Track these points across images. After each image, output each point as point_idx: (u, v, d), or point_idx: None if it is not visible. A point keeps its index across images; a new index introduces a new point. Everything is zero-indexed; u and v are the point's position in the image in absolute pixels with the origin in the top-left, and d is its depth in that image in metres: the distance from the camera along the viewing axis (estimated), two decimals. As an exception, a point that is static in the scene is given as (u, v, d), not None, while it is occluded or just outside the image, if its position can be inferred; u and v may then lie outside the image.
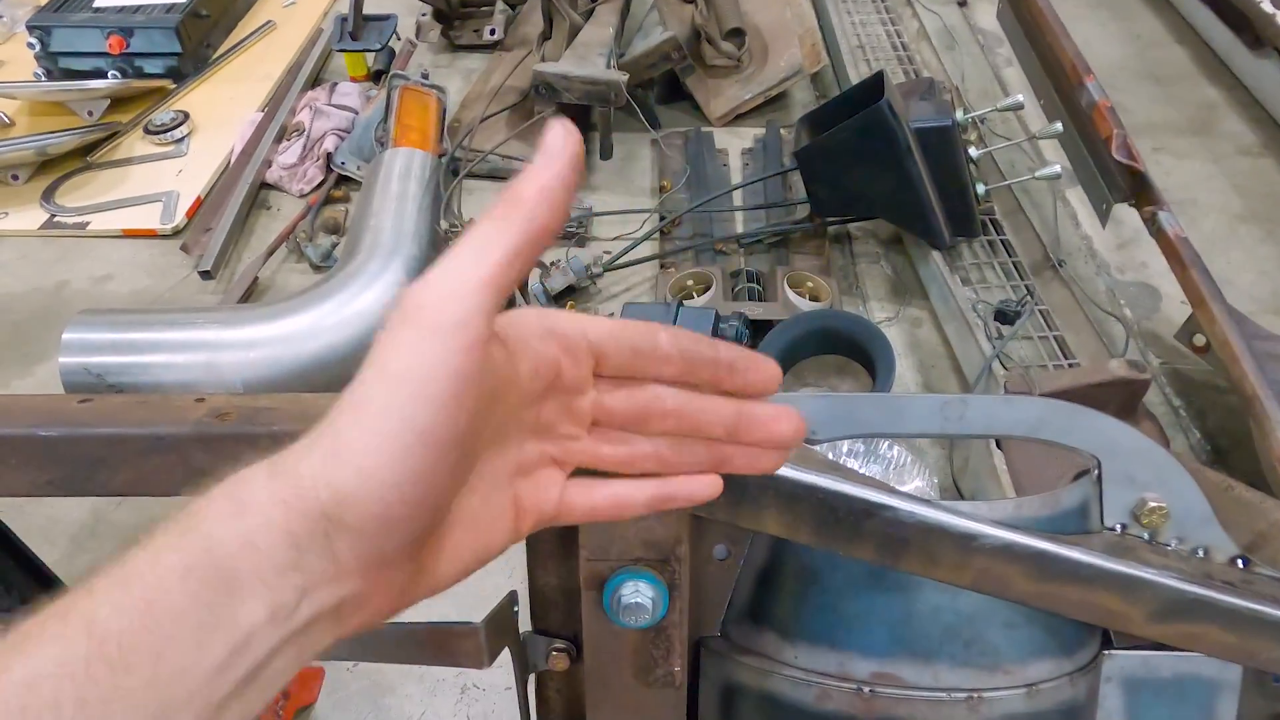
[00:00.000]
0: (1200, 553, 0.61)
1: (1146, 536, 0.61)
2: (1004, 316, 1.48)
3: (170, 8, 2.15)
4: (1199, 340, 1.45)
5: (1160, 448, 0.60)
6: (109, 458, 0.57)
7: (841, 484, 0.56)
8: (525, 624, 0.72)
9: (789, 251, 1.72)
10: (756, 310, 1.49)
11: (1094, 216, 1.68)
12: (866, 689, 0.61)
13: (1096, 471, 0.61)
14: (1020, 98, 1.56)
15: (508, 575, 0.90)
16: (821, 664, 0.62)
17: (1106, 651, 0.67)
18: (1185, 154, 2.01)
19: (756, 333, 1.45)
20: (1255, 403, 1.15)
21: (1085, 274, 1.70)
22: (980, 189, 1.57)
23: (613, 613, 0.59)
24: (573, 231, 1.76)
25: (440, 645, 0.58)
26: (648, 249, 1.72)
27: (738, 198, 1.83)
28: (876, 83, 1.46)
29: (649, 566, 0.59)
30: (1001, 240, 1.69)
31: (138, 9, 2.15)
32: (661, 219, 1.73)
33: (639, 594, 0.58)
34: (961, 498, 1.26)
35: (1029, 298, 1.50)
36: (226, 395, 0.61)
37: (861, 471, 1.19)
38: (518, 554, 0.72)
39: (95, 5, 2.15)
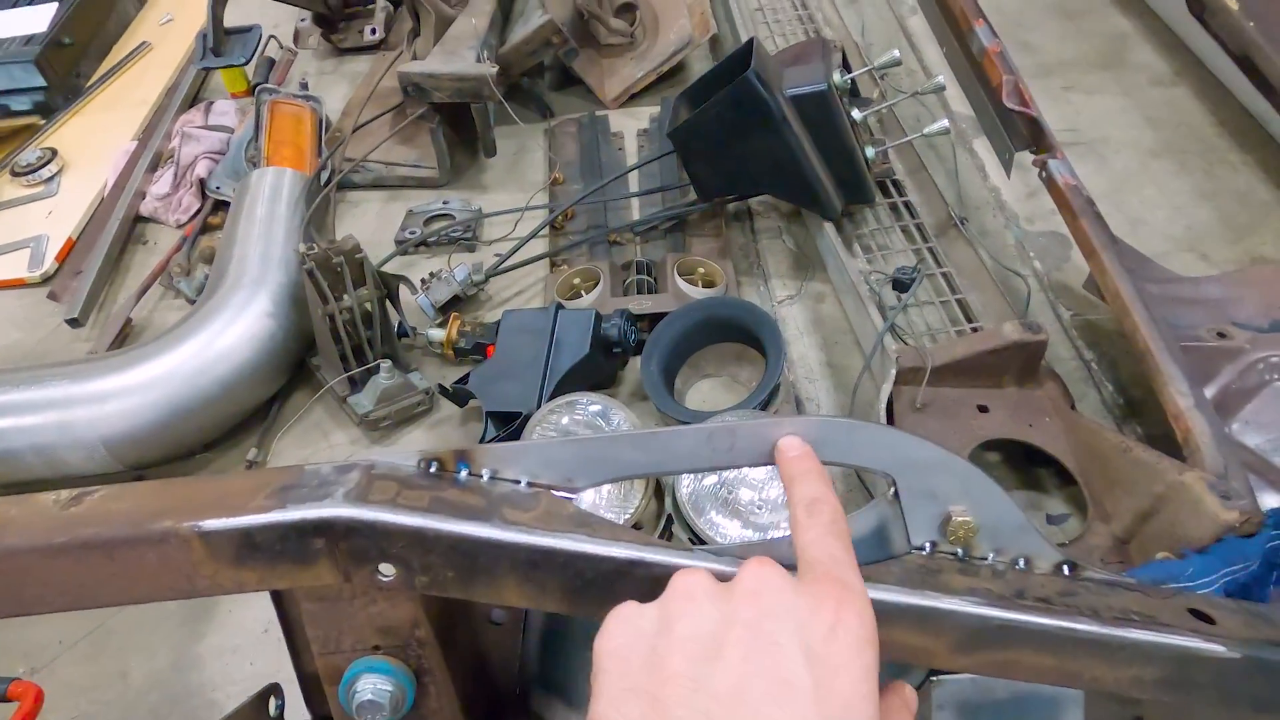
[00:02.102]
0: (1021, 563, 0.55)
1: (960, 553, 0.55)
2: (900, 285, 1.41)
3: (29, 39, 2.04)
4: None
5: (958, 458, 0.54)
6: None
7: (587, 544, 0.50)
8: (302, 714, 0.65)
9: (686, 235, 1.65)
10: (645, 304, 1.42)
11: (1001, 167, 1.62)
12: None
13: (892, 490, 0.55)
14: (896, 53, 1.47)
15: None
16: (606, 733, 0.56)
17: (934, 678, 0.61)
18: (1096, 89, 1.94)
19: (651, 327, 1.39)
20: (1149, 357, 1.09)
21: (994, 228, 1.63)
22: (870, 152, 1.49)
23: (350, 711, 0.53)
24: (459, 236, 1.68)
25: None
26: (540, 247, 1.64)
27: (633, 182, 1.75)
28: (747, 51, 1.38)
29: (387, 655, 0.53)
30: (904, 203, 1.62)
31: (-5, 43, 2.04)
32: (550, 214, 1.65)
33: (375, 689, 0.52)
34: (871, 496, 1.20)
35: (921, 264, 1.43)
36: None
37: (748, 495, 1.09)
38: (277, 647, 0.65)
39: (-51, 45, 2.04)
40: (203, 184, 1.81)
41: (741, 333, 1.34)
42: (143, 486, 0.55)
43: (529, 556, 0.49)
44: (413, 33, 1.86)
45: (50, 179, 1.90)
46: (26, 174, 1.89)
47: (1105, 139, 1.82)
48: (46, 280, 1.71)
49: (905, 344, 1.33)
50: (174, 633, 1.20)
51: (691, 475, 0.97)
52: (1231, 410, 1.23)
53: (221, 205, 1.80)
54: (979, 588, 0.52)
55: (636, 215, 1.70)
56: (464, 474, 0.52)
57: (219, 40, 1.85)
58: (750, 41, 1.40)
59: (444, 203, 1.76)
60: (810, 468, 0.48)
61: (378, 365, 1.36)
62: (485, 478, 0.52)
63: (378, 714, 0.53)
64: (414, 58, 1.77)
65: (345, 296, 1.34)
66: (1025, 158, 1.53)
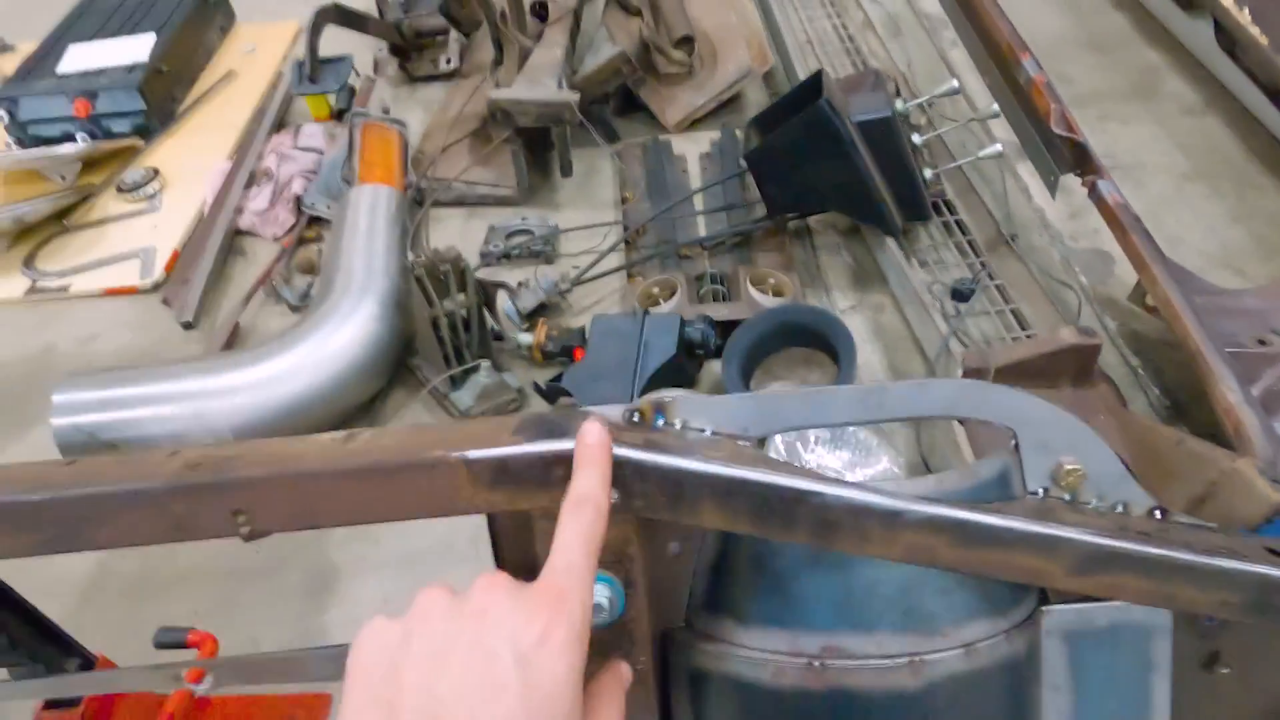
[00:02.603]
0: (1119, 508, 0.66)
1: (1068, 497, 0.66)
2: (959, 295, 1.53)
3: (132, 67, 2.20)
4: (1151, 300, 1.50)
5: (1070, 415, 0.65)
6: (93, 516, 0.62)
7: (770, 475, 0.61)
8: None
9: (751, 250, 1.77)
10: (721, 311, 1.54)
11: (1045, 190, 1.73)
12: (816, 662, 0.65)
13: (1013, 442, 0.66)
14: (955, 83, 1.60)
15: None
16: (774, 643, 0.67)
17: (1043, 608, 0.71)
18: (1130, 119, 2.06)
19: (724, 333, 1.50)
20: (1199, 358, 1.20)
21: (1040, 245, 1.75)
22: (928, 173, 1.61)
23: (573, 614, 0.64)
24: (539, 250, 1.81)
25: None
26: (614, 260, 1.77)
27: (698, 202, 1.88)
28: (816, 81, 1.51)
29: (604, 568, 0.64)
30: (956, 221, 1.74)
31: (100, 71, 2.20)
32: (625, 230, 1.78)
33: (597, 594, 0.63)
34: (929, 473, 1.31)
35: (982, 273, 1.55)
36: (200, 448, 0.66)
37: (831, 455, 1.23)
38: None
39: (58, 72, 2.20)
40: (298, 200, 1.95)
41: (815, 337, 1.46)
42: (399, 430, 0.67)
43: (725, 486, 0.61)
44: (495, 62, 2.00)
45: (153, 195, 2.05)
46: (132, 190, 2.04)
47: (1141, 164, 1.93)
48: (156, 288, 1.85)
49: (966, 348, 1.44)
50: (299, 604, 1.31)
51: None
52: (1273, 411, 1.33)
53: (315, 220, 1.93)
54: (1088, 524, 0.63)
55: (702, 231, 1.82)
56: (660, 422, 0.64)
57: (315, 68, 2.00)
58: (819, 73, 1.53)
59: (522, 219, 1.89)
60: (599, 460, 0.53)
61: (477, 365, 1.48)
62: (678, 426, 0.64)
63: (600, 614, 0.63)
64: (497, 85, 1.91)
65: (448, 301, 1.47)
66: (1065, 182, 1.65)
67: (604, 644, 0.65)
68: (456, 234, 1.92)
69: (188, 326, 1.68)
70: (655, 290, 1.64)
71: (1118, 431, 1.32)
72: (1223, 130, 2.00)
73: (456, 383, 1.50)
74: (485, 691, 0.44)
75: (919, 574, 0.65)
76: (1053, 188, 1.71)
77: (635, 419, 0.64)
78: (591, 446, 0.53)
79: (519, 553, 0.68)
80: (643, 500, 0.61)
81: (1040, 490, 0.65)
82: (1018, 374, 1.35)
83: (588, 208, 1.96)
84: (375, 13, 2.28)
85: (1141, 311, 1.57)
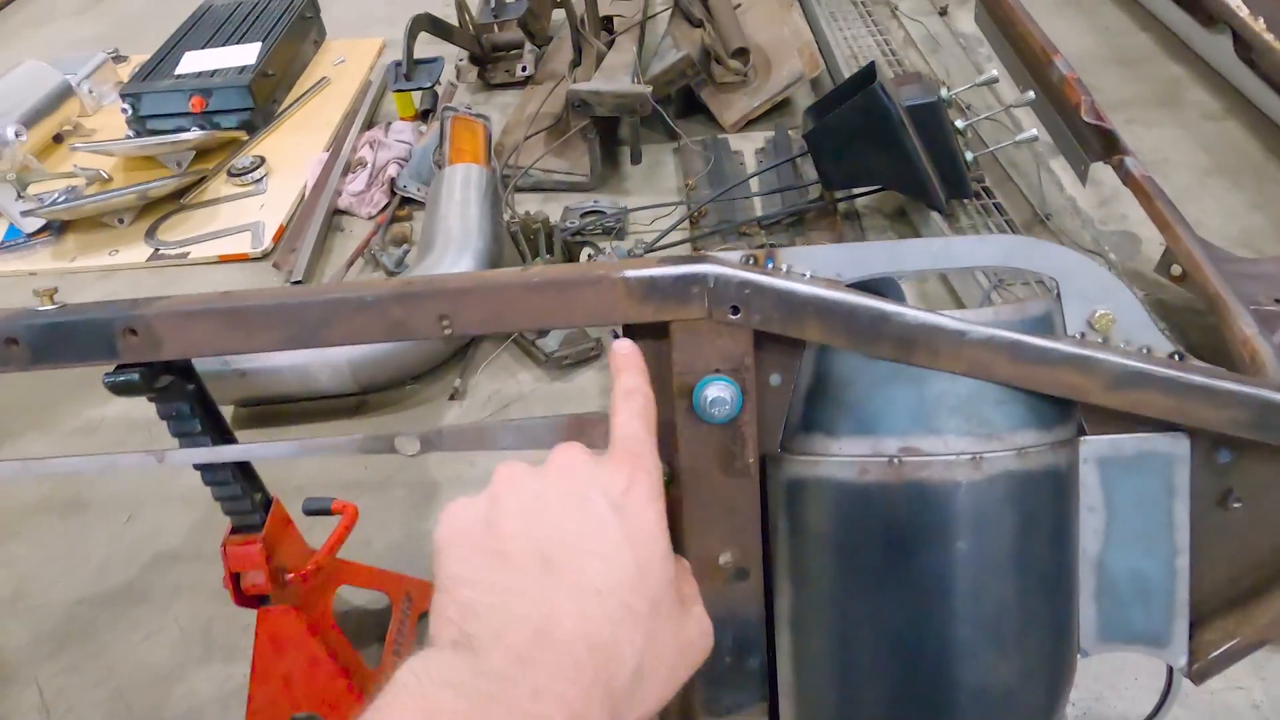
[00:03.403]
0: (1144, 350, 0.81)
1: (1101, 339, 0.81)
2: (999, 261, 1.68)
3: (242, 69, 2.44)
4: (1175, 270, 1.64)
5: (1105, 270, 0.81)
6: (331, 318, 0.79)
7: (860, 299, 0.77)
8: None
9: (805, 229, 1.94)
10: (781, 273, 1.70)
11: (1076, 182, 1.89)
12: (895, 460, 0.80)
13: (1056, 290, 0.81)
14: (995, 72, 1.78)
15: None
16: (860, 449, 0.81)
17: (1083, 438, 0.86)
18: (1155, 123, 2.23)
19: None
20: (1217, 299, 1.34)
21: (1072, 228, 1.90)
22: (969, 156, 1.78)
23: (701, 410, 0.79)
24: (610, 227, 1.99)
25: (577, 432, 0.78)
26: (679, 236, 1.95)
27: (754, 186, 2.06)
28: (869, 71, 1.69)
29: (725, 373, 0.80)
30: (994, 204, 1.90)
31: (214, 72, 2.45)
32: (689, 209, 1.96)
33: (720, 391, 0.79)
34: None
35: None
36: (403, 277, 0.83)
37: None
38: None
39: (177, 73, 2.45)
40: (391, 183, 2.15)
41: (867, 290, 1.61)
42: (569, 264, 0.84)
43: (826, 305, 0.76)
44: (573, 63, 2.22)
45: (260, 180, 2.27)
46: (241, 174, 2.26)
47: (1166, 160, 2.09)
48: (265, 255, 2.05)
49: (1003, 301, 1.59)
50: (406, 513, 1.47)
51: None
52: (1289, 360, 1.46)
53: (406, 201, 2.14)
54: (1118, 352, 0.78)
55: (759, 213, 2.00)
56: (770, 266, 0.80)
57: (410, 68, 2.22)
58: (871, 64, 1.71)
59: (594, 201, 2.08)
60: (634, 364, 0.58)
61: (562, 314, 1.65)
62: (784, 269, 0.80)
63: (722, 408, 0.79)
64: (575, 81, 2.12)
65: (538, 259, 1.65)
66: (1095, 173, 1.81)
67: (721, 440, 0.81)
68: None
69: (298, 284, 1.88)
70: (720, 257, 1.81)
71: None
72: (1243, 133, 2.15)
73: (541, 331, 1.68)
74: (589, 528, 0.44)
75: (979, 387, 0.79)
76: (1083, 176, 1.87)
77: (750, 262, 0.81)
78: (625, 354, 0.59)
79: (651, 372, 0.84)
80: (760, 315, 0.77)
81: (1079, 333, 0.81)
82: (1053, 322, 1.50)
83: (653, 194, 2.14)
84: (457, 24, 2.52)
85: (1167, 282, 1.71)
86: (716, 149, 2.23)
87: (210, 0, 2.87)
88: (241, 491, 0.96)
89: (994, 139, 2.06)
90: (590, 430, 0.78)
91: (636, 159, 2.10)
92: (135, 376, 0.79)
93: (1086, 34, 2.64)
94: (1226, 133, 2.16)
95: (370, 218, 2.13)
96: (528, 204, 2.16)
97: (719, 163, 2.17)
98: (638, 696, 0.42)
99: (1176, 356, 0.82)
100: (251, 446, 0.82)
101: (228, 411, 1.69)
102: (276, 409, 1.67)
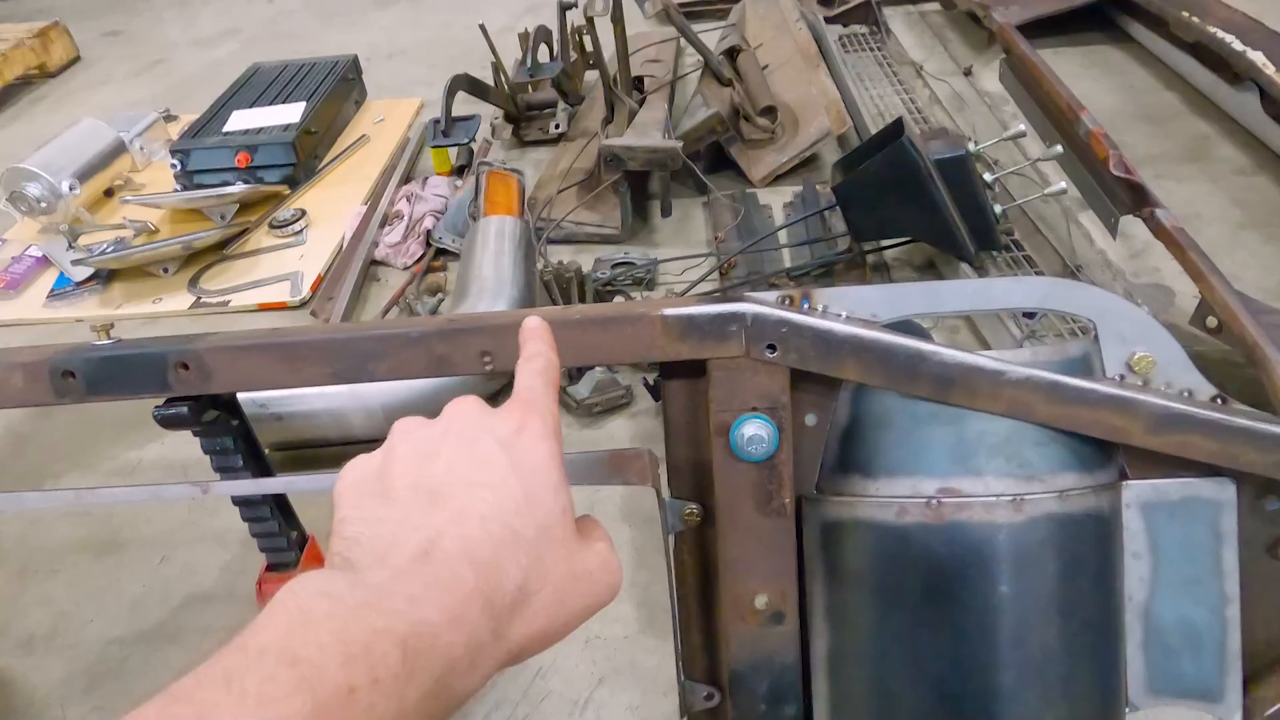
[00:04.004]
0: (1186, 393, 0.81)
1: (1141, 382, 0.81)
2: (1028, 313, 1.68)
3: (286, 127, 2.54)
4: (1211, 322, 1.62)
5: (1143, 311, 0.81)
6: (378, 352, 0.81)
7: (897, 338, 0.78)
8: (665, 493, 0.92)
9: (834, 281, 1.95)
10: (811, 322, 1.71)
11: (1106, 236, 1.90)
12: (934, 501, 0.79)
13: (1094, 332, 0.82)
14: (1022, 127, 1.81)
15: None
16: (898, 489, 0.81)
17: (1125, 482, 0.85)
18: (1185, 178, 2.23)
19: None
20: (1256, 349, 1.33)
21: (1103, 280, 1.90)
22: (998, 209, 1.80)
23: (738, 448, 0.80)
24: (641, 278, 2.02)
25: (615, 467, 0.79)
26: (708, 287, 1.97)
27: (783, 238, 2.08)
28: (897, 126, 1.72)
29: (762, 412, 0.81)
30: (1024, 256, 1.91)
31: (260, 130, 2.54)
32: (719, 260, 1.98)
33: (757, 429, 0.79)
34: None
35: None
36: (447, 315, 0.85)
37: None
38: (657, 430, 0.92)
39: (225, 130, 2.55)
40: (428, 235, 2.21)
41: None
42: (602, 305, 0.85)
43: (862, 345, 0.77)
44: (606, 120, 2.28)
45: (300, 231, 2.33)
46: (282, 226, 2.33)
47: (1197, 215, 2.09)
48: (304, 304, 2.10)
49: (1039, 354, 1.58)
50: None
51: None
52: (1332, 412, 1.44)
53: (441, 252, 2.19)
54: (1161, 394, 0.78)
55: (788, 264, 2.02)
56: (805, 306, 0.81)
57: (449, 124, 2.30)
58: (899, 119, 1.75)
59: (625, 253, 2.12)
60: (541, 335, 0.60)
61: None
62: (820, 310, 0.81)
63: (759, 446, 0.79)
64: (607, 137, 2.17)
65: (571, 307, 1.67)
66: (1125, 227, 1.81)
67: (757, 479, 0.81)
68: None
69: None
70: (749, 307, 1.83)
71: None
72: (1274, 187, 2.15)
73: (574, 377, 1.69)
74: (476, 464, 0.45)
75: (1019, 428, 0.79)
76: (1113, 229, 1.87)
77: (786, 303, 0.82)
78: (533, 327, 0.61)
79: (683, 411, 0.84)
80: (797, 354, 0.78)
81: (1118, 376, 0.81)
82: (1088, 372, 1.48)
83: (683, 246, 2.18)
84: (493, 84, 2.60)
85: (1204, 335, 1.69)
86: (745, 202, 2.27)
87: (259, 63, 3.00)
88: (278, 528, 0.97)
89: (1022, 193, 2.08)
90: (627, 467, 0.79)
91: (667, 212, 2.14)
92: (185, 409, 0.81)
93: (1113, 93, 2.67)
94: (1258, 187, 2.16)
95: (406, 268, 2.18)
96: (561, 255, 2.20)
97: (748, 216, 2.20)
98: (524, 613, 0.43)
99: (1219, 400, 0.82)
100: (292, 478, 0.84)
101: (263, 455, 1.71)
102: (311, 453, 1.69)
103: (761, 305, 0.78)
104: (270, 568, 1.01)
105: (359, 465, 0.48)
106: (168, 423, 0.81)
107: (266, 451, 1.70)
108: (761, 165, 2.38)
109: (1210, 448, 0.78)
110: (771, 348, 0.79)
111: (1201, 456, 0.79)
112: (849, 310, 0.82)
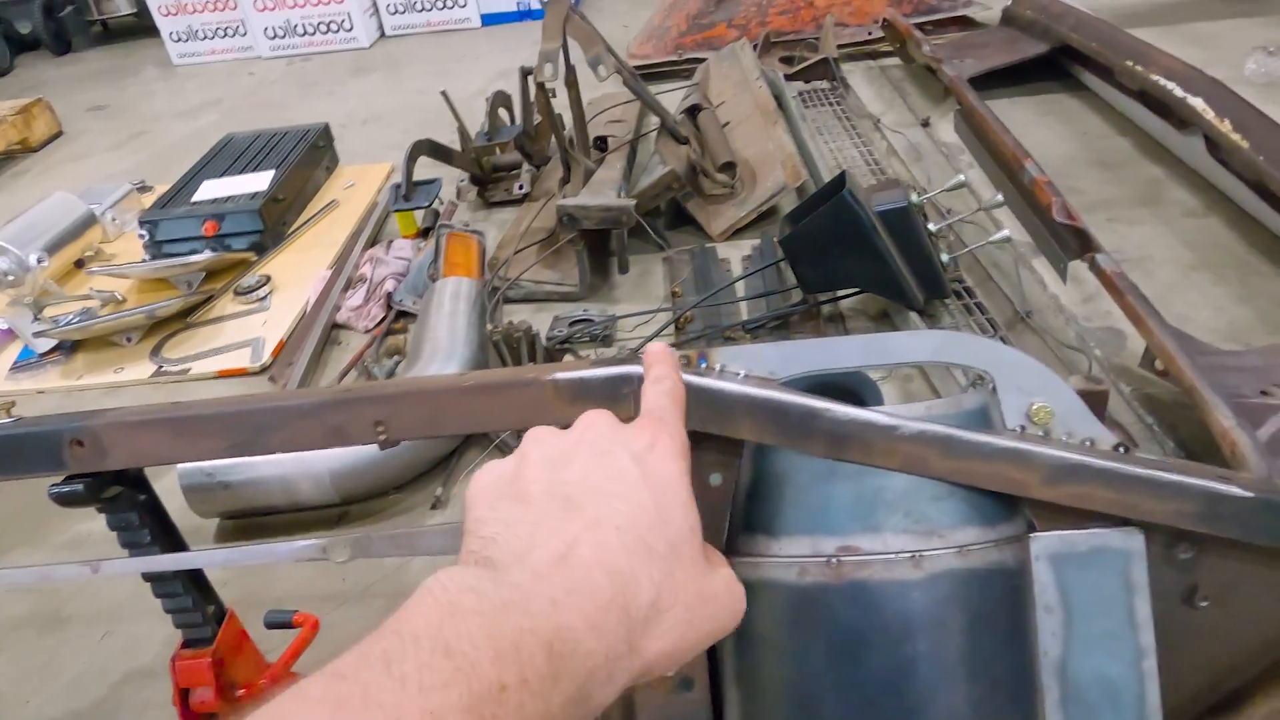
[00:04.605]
0: (1088, 443, 0.80)
1: (1042, 433, 0.81)
2: (979, 359, 1.68)
3: (254, 195, 2.58)
4: (1159, 364, 1.63)
5: (1038, 361, 0.81)
6: (271, 424, 0.81)
7: (791, 396, 0.78)
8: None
9: (789, 332, 1.96)
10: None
11: (1058, 280, 1.91)
12: (834, 560, 0.78)
13: (991, 385, 0.82)
14: (962, 177, 1.83)
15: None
16: (799, 549, 0.80)
17: (1031, 534, 0.84)
18: (1138, 222, 2.26)
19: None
20: (1195, 391, 1.33)
21: (1055, 325, 1.91)
22: (945, 257, 1.81)
23: (634, 511, 0.79)
24: (598, 335, 2.03)
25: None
26: (667, 342, 1.97)
27: (740, 290, 2.10)
28: (840, 180, 1.75)
29: (658, 475, 0.80)
30: (975, 303, 1.92)
31: (228, 198, 2.58)
32: (675, 315, 1.99)
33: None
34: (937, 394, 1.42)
35: (997, 338, 1.70)
36: (344, 385, 0.86)
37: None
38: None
39: (193, 200, 2.59)
40: (389, 298, 2.22)
41: (846, 393, 1.61)
42: (503, 369, 0.85)
43: (756, 404, 0.77)
44: (563, 180, 2.32)
45: (264, 298, 2.35)
46: (247, 293, 2.35)
47: (1149, 257, 2.11)
48: (264, 369, 2.10)
49: (986, 402, 1.58)
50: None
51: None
52: (1278, 455, 1.43)
53: (402, 314, 2.20)
54: (1059, 445, 0.78)
55: (745, 317, 2.03)
56: (703, 365, 0.81)
57: (409, 188, 2.33)
58: (843, 173, 1.77)
59: (584, 310, 2.13)
60: (666, 359, 0.61)
61: (544, 420, 1.66)
62: (718, 368, 0.82)
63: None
64: (564, 196, 2.20)
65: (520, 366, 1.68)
66: (1078, 271, 1.83)
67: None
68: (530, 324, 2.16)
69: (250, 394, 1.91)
70: (702, 361, 1.83)
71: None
72: (1224, 229, 2.18)
73: (525, 437, 1.68)
74: (609, 475, 0.46)
75: (918, 483, 0.78)
76: (1063, 274, 1.89)
77: (684, 362, 0.82)
78: (658, 351, 0.64)
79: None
80: (692, 415, 0.78)
81: (1019, 427, 0.80)
82: (1033, 419, 1.48)
83: (643, 302, 2.19)
84: (459, 148, 2.65)
85: (1153, 376, 1.69)
86: (704, 257, 2.29)
87: (232, 133, 3.06)
88: (193, 604, 0.95)
89: (976, 241, 2.10)
90: None
91: (624, 269, 2.15)
92: (80, 487, 0.81)
93: (1067, 140, 2.72)
94: (1208, 229, 2.19)
95: (367, 331, 2.19)
96: (521, 314, 2.21)
97: (706, 270, 2.22)
98: (656, 629, 0.43)
99: (1121, 449, 0.81)
100: (186, 555, 0.83)
101: (212, 524, 1.70)
102: (261, 521, 1.67)
103: (660, 345, 0.79)
104: (186, 644, 0.99)
105: (492, 469, 0.49)
106: (64, 500, 0.81)
107: (217, 521, 1.69)
108: (721, 220, 2.41)
109: (1109, 498, 0.78)
110: (664, 409, 0.79)
111: (1101, 507, 0.78)
112: (747, 369, 0.82)
